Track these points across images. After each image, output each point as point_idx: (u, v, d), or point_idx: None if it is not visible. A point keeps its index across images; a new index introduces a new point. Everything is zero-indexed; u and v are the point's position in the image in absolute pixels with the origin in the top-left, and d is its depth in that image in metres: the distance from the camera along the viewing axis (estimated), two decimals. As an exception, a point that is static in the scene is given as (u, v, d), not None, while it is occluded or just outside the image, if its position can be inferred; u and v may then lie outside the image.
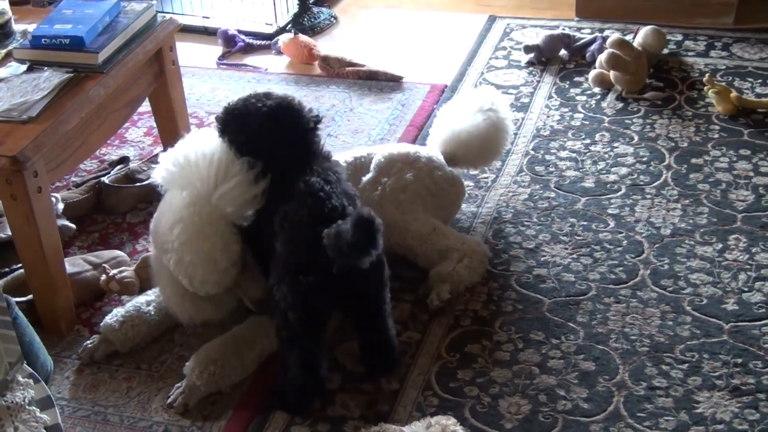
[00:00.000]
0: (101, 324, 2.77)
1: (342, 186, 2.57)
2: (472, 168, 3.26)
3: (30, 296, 2.81)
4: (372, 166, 2.99)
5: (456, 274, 2.85)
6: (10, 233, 2.83)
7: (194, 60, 4.26)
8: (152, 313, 2.78)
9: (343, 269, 2.33)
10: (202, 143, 2.65)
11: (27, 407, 1.53)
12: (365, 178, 2.97)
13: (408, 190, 2.95)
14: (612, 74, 3.80)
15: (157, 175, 2.68)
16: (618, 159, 3.43)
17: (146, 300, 2.80)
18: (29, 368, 1.63)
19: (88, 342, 2.76)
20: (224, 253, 2.56)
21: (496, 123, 3.13)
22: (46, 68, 2.91)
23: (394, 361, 2.63)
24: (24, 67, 2.94)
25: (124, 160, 3.50)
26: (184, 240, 2.55)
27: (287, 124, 2.62)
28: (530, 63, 4.07)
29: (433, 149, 3.11)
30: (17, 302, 2.33)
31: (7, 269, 2.97)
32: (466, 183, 3.23)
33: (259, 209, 2.59)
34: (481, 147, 3.13)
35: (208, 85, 4.11)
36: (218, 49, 4.39)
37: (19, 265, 2.87)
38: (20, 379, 1.59)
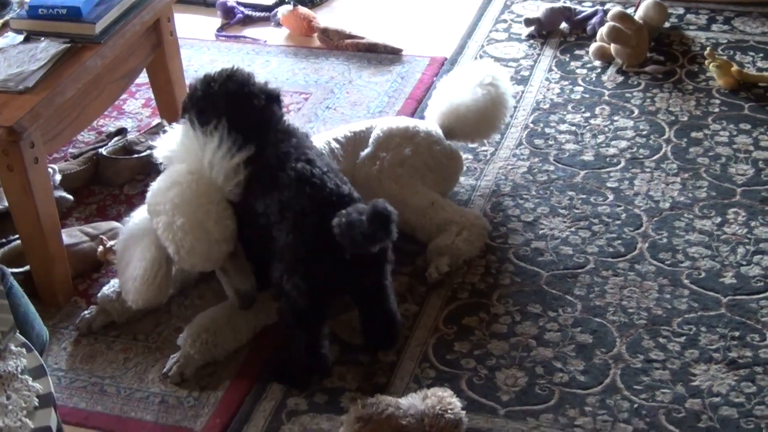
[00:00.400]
0: (98, 295, 2.77)
1: (325, 162, 2.57)
2: (469, 141, 3.25)
3: (27, 267, 2.81)
4: (371, 140, 2.98)
5: (455, 247, 2.84)
6: (6, 204, 2.83)
7: (193, 32, 4.24)
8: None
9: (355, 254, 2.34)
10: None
11: (19, 376, 1.53)
12: (363, 153, 2.97)
13: (406, 165, 2.94)
14: (613, 47, 3.78)
15: (160, 153, 2.67)
16: (618, 132, 3.42)
17: None
18: (22, 337, 1.63)
19: (86, 313, 2.76)
20: (217, 225, 2.54)
21: (496, 98, 3.12)
22: (42, 38, 2.90)
23: (397, 334, 2.63)
24: (21, 38, 2.92)
25: (121, 131, 3.49)
26: (178, 203, 2.53)
27: (238, 101, 2.61)
28: (531, 36, 4.05)
29: (431, 123, 3.11)
30: (14, 273, 2.32)
31: (3, 240, 2.96)
32: (464, 156, 3.23)
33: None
34: (480, 121, 3.12)
35: (207, 57, 4.09)
36: (217, 21, 4.37)
37: (16, 236, 2.87)
38: (12, 348, 1.59)
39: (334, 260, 2.36)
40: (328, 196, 2.43)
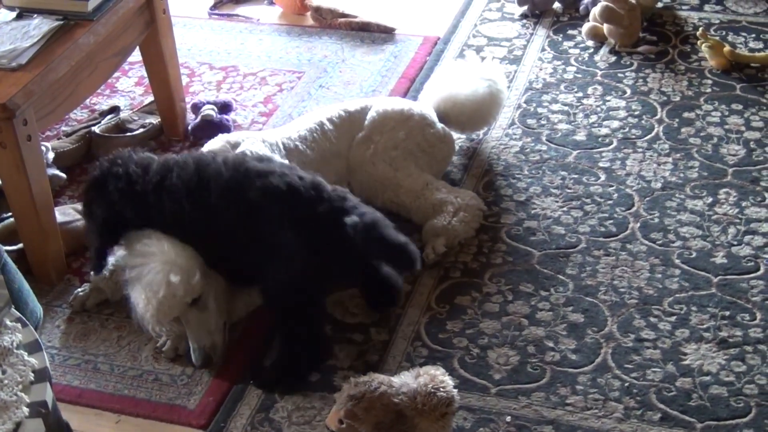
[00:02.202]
0: (91, 273, 2.77)
1: (278, 165, 2.54)
2: (459, 131, 3.25)
3: (20, 245, 2.81)
4: (366, 122, 2.99)
5: (451, 228, 2.85)
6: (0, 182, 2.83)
7: (185, 10, 4.23)
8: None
9: None
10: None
11: (15, 351, 1.53)
12: (358, 136, 2.97)
13: (400, 148, 2.96)
14: (605, 27, 3.78)
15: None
16: (610, 112, 3.42)
17: None
18: (17, 312, 1.63)
19: (79, 290, 2.76)
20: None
21: (494, 94, 3.19)
22: (35, 15, 2.89)
23: (399, 292, 2.66)
24: (13, 14, 2.92)
25: (114, 109, 3.48)
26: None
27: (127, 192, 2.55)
28: (524, 15, 4.04)
29: (425, 106, 3.11)
30: (7, 251, 2.32)
31: (-3, 218, 2.96)
32: (457, 136, 3.24)
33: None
34: (475, 112, 3.18)
35: (200, 36, 4.08)
36: (210, -1, 4.36)
37: (9, 214, 2.87)
38: (8, 323, 1.59)
39: (350, 255, 2.42)
40: (324, 198, 2.45)
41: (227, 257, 2.53)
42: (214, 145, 2.81)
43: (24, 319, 1.61)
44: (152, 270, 2.40)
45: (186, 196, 2.48)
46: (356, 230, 2.34)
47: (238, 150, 2.73)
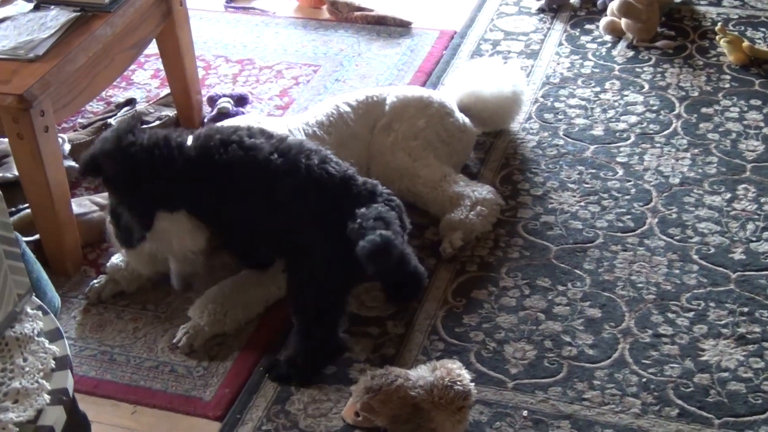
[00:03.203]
0: (107, 264, 2.77)
1: (291, 145, 2.50)
2: (477, 127, 3.24)
3: (37, 236, 2.81)
4: (386, 108, 3.00)
5: (468, 222, 2.84)
6: (16, 173, 2.83)
7: (202, 2, 4.22)
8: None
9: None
10: None
11: (36, 338, 1.53)
12: (380, 123, 2.98)
13: (420, 137, 2.95)
14: (623, 22, 3.77)
15: None
16: (628, 107, 3.41)
17: None
18: (38, 300, 1.63)
19: (95, 282, 2.76)
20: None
21: (517, 95, 3.24)
22: (52, 7, 2.89)
23: (421, 286, 2.66)
24: (31, 5, 2.92)
25: (130, 102, 3.49)
26: None
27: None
28: (541, 10, 4.03)
29: (446, 95, 3.11)
30: (24, 242, 2.33)
31: (13, 209, 2.96)
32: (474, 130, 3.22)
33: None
34: (498, 110, 3.21)
35: (216, 28, 4.08)
36: (226, -8, 4.35)
37: (26, 205, 2.87)
38: (29, 310, 1.59)
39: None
40: (343, 184, 2.44)
41: (247, 243, 2.55)
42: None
43: (45, 307, 1.61)
44: None
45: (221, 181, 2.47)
46: (366, 256, 2.24)
47: None
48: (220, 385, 2.47)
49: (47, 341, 1.53)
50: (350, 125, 2.93)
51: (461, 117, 3.07)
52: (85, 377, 2.51)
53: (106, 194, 3.04)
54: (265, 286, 2.66)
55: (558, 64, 3.68)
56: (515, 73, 3.33)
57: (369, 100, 3.00)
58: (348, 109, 2.96)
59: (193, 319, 2.59)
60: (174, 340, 2.59)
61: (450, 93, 3.20)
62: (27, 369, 1.48)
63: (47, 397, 1.45)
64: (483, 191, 2.91)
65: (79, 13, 2.84)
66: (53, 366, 1.50)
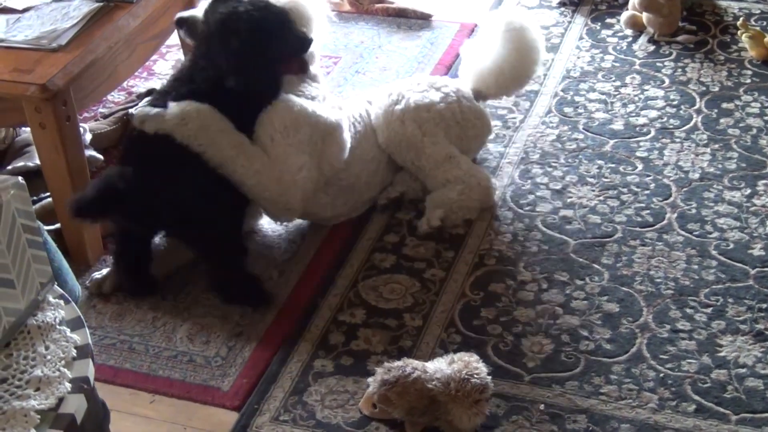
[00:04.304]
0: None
1: None
2: (506, 94, 3.23)
3: (58, 225, 2.83)
4: (394, 85, 3.02)
5: (449, 201, 2.86)
6: (38, 162, 2.85)
7: (223, -6, 4.23)
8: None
9: None
10: None
11: (58, 327, 1.55)
12: (386, 90, 2.99)
13: (432, 110, 2.94)
14: (644, 16, 3.76)
15: None
16: (648, 102, 3.40)
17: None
18: (59, 289, 1.65)
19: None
20: None
21: (522, 43, 3.03)
22: (75, -3, 2.91)
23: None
24: (54, -4, 2.93)
25: (151, 92, 3.49)
26: None
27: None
28: (562, 3, 4.02)
29: (461, 82, 3.09)
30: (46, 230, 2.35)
31: (35, 198, 2.98)
32: (494, 123, 3.22)
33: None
34: (514, 71, 3.05)
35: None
36: (247, -16, 4.35)
37: (47, 193, 2.89)
38: (51, 299, 1.61)
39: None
40: None
41: None
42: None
43: (66, 295, 1.63)
44: None
45: None
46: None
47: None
48: (238, 375, 2.49)
49: (69, 330, 1.55)
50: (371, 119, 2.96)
51: (478, 104, 3.05)
52: (105, 366, 2.53)
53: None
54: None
55: (578, 57, 3.67)
56: (507, 18, 3.06)
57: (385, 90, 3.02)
58: (370, 105, 2.99)
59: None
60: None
61: (468, 80, 3.12)
62: (49, 357, 1.50)
63: (68, 386, 1.46)
64: (480, 176, 2.91)
65: (102, 4, 2.86)
66: (74, 355, 1.51)
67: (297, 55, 2.72)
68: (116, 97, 3.55)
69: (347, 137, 2.83)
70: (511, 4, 4.04)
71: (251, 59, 2.58)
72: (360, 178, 2.90)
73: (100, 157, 3.17)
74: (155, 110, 2.55)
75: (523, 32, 3.03)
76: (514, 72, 3.05)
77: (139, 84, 3.65)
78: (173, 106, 2.55)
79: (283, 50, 2.65)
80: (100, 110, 3.46)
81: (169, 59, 3.81)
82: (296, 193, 2.70)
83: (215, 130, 2.57)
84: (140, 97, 3.47)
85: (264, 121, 2.67)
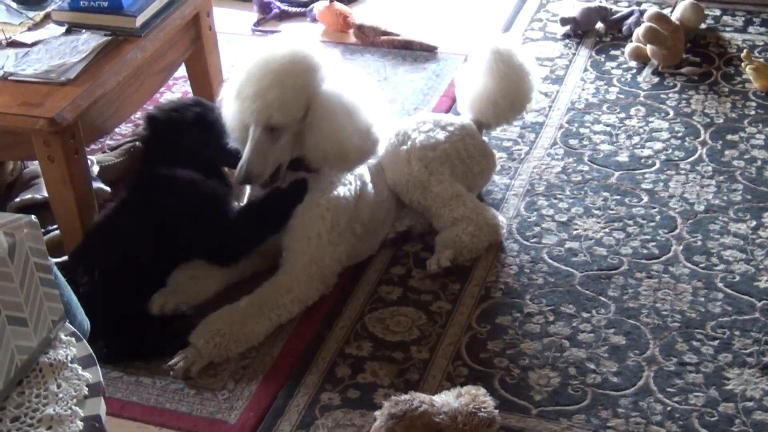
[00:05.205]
0: None
1: None
2: (507, 122, 3.21)
3: (65, 257, 2.84)
4: (400, 124, 3.03)
5: (459, 241, 2.86)
6: (46, 194, 2.86)
7: (230, 26, 4.26)
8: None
9: None
10: None
11: (69, 365, 1.55)
12: (392, 131, 2.98)
13: (438, 150, 2.95)
14: (649, 48, 3.78)
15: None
16: (653, 134, 3.41)
17: None
18: (71, 326, 1.66)
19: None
20: None
21: (511, 70, 3.02)
22: (84, 31, 2.93)
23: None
24: (62, 29, 2.96)
25: (158, 124, 3.51)
26: None
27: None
28: (566, 35, 4.05)
29: (465, 118, 3.11)
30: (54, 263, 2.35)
31: (42, 230, 2.98)
32: (499, 155, 3.24)
33: None
34: (507, 99, 3.05)
35: (244, 52, 4.10)
36: (254, 16, 4.39)
37: (55, 226, 2.90)
38: (63, 337, 1.62)
39: None
40: None
41: None
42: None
43: (78, 333, 1.64)
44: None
45: None
46: None
47: None
48: (245, 408, 2.48)
49: (80, 368, 1.56)
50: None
51: (483, 141, 3.08)
52: (112, 399, 2.52)
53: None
54: (266, 315, 2.67)
55: (583, 89, 3.69)
56: (495, 47, 3.03)
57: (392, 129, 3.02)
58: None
59: (195, 346, 2.59)
60: (170, 363, 2.60)
61: (465, 113, 3.15)
62: (60, 395, 1.50)
63: (80, 424, 1.46)
64: (486, 215, 2.92)
65: (110, 38, 2.88)
66: (86, 393, 1.52)
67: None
68: (123, 129, 3.57)
69: (370, 185, 2.87)
70: (508, 35, 4.05)
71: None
72: (378, 219, 2.93)
73: (108, 189, 3.18)
74: None
75: (509, 59, 3.02)
76: (508, 100, 3.06)
77: (146, 116, 3.67)
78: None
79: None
80: (108, 142, 3.48)
81: (176, 91, 3.83)
82: (333, 279, 2.82)
83: None
84: (147, 129, 3.48)
85: (296, 227, 2.75)
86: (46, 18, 3.04)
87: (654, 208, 3.06)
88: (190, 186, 2.71)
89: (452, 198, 2.92)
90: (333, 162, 2.71)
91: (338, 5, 4.23)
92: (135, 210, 2.72)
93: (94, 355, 1.57)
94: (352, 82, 2.76)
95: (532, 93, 3.13)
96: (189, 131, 2.77)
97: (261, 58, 2.67)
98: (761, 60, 3.70)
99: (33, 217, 1.53)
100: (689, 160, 3.27)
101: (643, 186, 3.16)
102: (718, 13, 4.13)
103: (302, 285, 2.71)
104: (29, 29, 2.99)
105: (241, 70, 2.70)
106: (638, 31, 3.81)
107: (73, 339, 1.62)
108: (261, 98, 2.61)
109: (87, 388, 1.52)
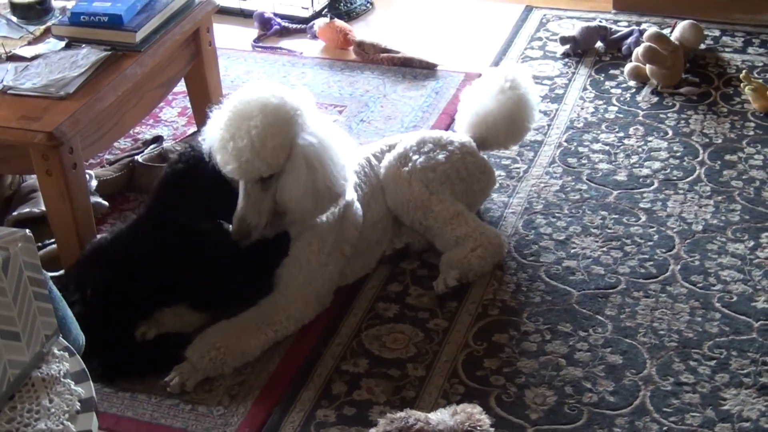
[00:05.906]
0: None
1: None
2: (503, 148, 3.25)
3: (62, 271, 2.84)
4: (399, 143, 3.02)
5: (466, 262, 2.85)
6: (44, 208, 2.86)
7: (230, 42, 4.27)
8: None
9: None
10: None
11: (62, 380, 1.55)
12: (393, 152, 2.98)
13: (438, 171, 2.95)
14: (648, 68, 3.78)
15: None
16: (651, 153, 3.41)
17: None
18: (64, 341, 1.65)
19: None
20: None
21: (519, 101, 3.09)
22: (84, 45, 2.94)
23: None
24: (62, 44, 2.97)
25: (157, 139, 3.52)
26: None
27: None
28: (566, 54, 4.05)
29: (464, 135, 3.12)
30: (50, 277, 2.35)
31: (40, 244, 2.99)
32: (497, 173, 3.24)
33: None
34: (509, 127, 3.11)
35: (243, 68, 4.12)
36: (254, 32, 4.40)
37: (52, 240, 2.90)
38: (56, 351, 1.61)
39: None
40: None
41: None
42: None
43: (71, 348, 1.63)
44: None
45: None
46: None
47: None
48: (241, 424, 2.48)
49: (73, 383, 1.55)
50: (380, 178, 2.96)
51: (482, 158, 3.08)
52: (107, 414, 2.52)
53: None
54: (263, 329, 2.67)
55: (582, 108, 3.70)
56: (508, 73, 3.12)
57: (390, 149, 3.01)
58: (376, 162, 2.99)
59: (191, 361, 2.59)
60: (166, 379, 2.59)
61: (463, 131, 3.16)
62: (53, 410, 1.50)
63: (72, 439, 1.47)
64: (489, 234, 2.92)
65: (109, 52, 2.89)
66: (78, 408, 1.52)
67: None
68: (122, 143, 3.57)
69: (358, 207, 2.86)
70: (513, 59, 4.06)
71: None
72: (372, 239, 2.92)
73: (106, 203, 3.19)
74: None
75: (518, 91, 3.08)
76: (509, 132, 3.13)
77: (146, 131, 3.68)
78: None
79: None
80: (106, 157, 3.48)
81: (175, 106, 3.84)
82: (328, 298, 2.82)
83: None
84: (146, 144, 3.49)
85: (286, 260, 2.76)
86: (46, 32, 3.06)
87: (652, 227, 3.06)
88: (196, 237, 2.70)
89: (453, 217, 2.92)
90: (307, 206, 2.69)
91: (339, 22, 4.24)
92: (136, 243, 2.70)
93: (87, 370, 1.56)
94: (324, 125, 2.76)
95: (532, 125, 3.23)
96: (206, 186, 2.73)
97: (243, 110, 2.63)
98: (760, 81, 3.71)
99: (27, 231, 1.53)
100: (688, 179, 3.27)
101: (641, 205, 3.16)
102: (717, 33, 4.13)
103: (299, 305, 2.72)
104: (29, 43, 3.01)
105: (223, 123, 2.65)
106: (638, 51, 3.82)
107: (66, 354, 1.61)
108: (251, 154, 2.58)
109: (79, 404, 1.52)
